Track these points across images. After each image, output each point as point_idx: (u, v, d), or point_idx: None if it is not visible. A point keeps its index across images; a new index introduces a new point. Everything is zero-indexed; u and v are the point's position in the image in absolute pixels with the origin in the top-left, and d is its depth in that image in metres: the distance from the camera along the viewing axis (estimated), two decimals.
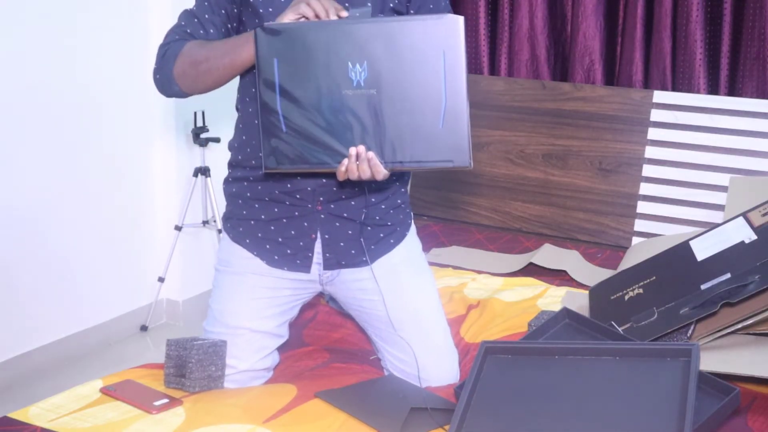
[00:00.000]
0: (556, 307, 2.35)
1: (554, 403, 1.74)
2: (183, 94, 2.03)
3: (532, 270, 2.86)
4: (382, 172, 1.84)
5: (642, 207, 3.18)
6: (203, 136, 3.50)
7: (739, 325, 1.99)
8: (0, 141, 3.01)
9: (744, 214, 2.29)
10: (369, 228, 2.10)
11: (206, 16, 2.01)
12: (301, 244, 2.08)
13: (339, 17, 1.82)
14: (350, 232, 2.09)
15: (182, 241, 3.61)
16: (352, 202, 2.07)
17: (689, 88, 3.21)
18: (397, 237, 2.16)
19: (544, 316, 2.28)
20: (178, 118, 3.54)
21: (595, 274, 2.76)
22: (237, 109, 2.12)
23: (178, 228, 3.55)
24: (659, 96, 3.16)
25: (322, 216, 2.07)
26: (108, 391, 1.92)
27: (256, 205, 2.09)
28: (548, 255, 2.93)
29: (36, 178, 3.14)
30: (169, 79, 1.99)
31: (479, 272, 2.81)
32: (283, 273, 2.11)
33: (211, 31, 2.01)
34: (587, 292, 2.38)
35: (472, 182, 3.43)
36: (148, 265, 3.60)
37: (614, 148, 3.22)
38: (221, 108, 3.30)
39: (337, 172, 1.86)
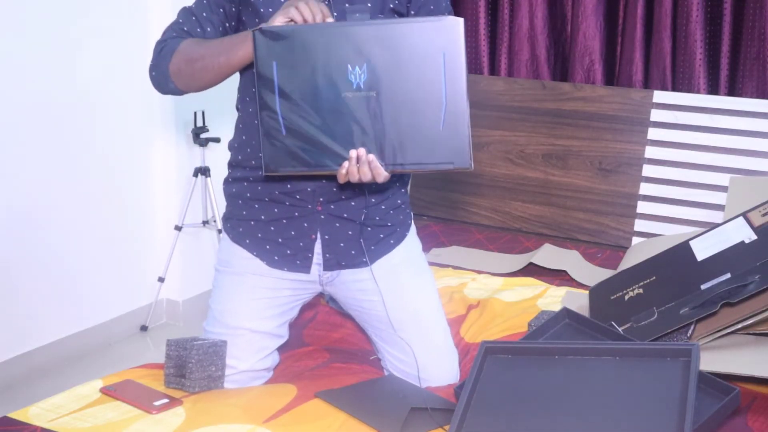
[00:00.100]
0: (556, 307, 2.35)
1: (554, 403, 1.74)
2: (179, 92, 2.04)
3: (532, 270, 2.86)
4: (382, 175, 1.84)
5: (642, 207, 3.18)
6: (203, 136, 3.50)
7: (739, 325, 1.99)
8: (0, 142, 3.01)
9: (744, 214, 2.29)
10: (369, 228, 2.10)
11: (204, 14, 2.01)
12: (301, 244, 2.08)
13: (324, 21, 1.81)
14: (350, 232, 2.08)
15: (182, 241, 3.61)
16: (352, 203, 2.07)
17: (689, 88, 3.21)
18: (397, 237, 2.16)
19: (544, 316, 2.28)
20: (178, 118, 3.54)
21: (595, 274, 2.76)
22: (237, 109, 2.12)
23: (178, 228, 3.55)
24: (659, 96, 3.16)
25: (322, 216, 2.07)
26: (108, 391, 1.92)
27: (256, 206, 2.09)
28: (548, 255, 2.93)
29: (36, 178, 3.14)
30: (165, 76, 2.00)
31: (479, 272, 2.81)
32: (282, 273, 2.10)
33: (209, 29, 2.01)
34: (587, 292, 2.38)
35: (472, 182, 3.43)
36: (148, 265, 3.60)
37: (614, 148, 3.22)
38: (221, 108, 3.30)
39: (337, 175, 1.86)
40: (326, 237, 2.08)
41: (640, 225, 3.18)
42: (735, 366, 1.91)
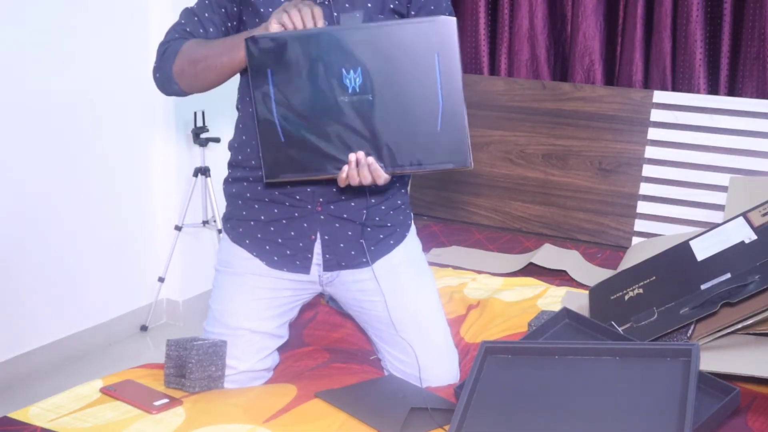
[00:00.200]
0: (556, 307, 2.35)
1: (554, 403, 1.74)
2: (182, 93, 2.04)
3: (532, 270, 2.86)
4: (382, 177, 1.84)
5: (642, 207, 3.18)
6: (203, 136, 3.50)
7: (739, 325, 1.99)
8: (0, 141, 3.01)
9: (744, 214, 2.29)
10: (369, 229, 2.10)
11: (206, 14, 2.01)
12: (301, 245, 2.08)
13: (315, 26, 1.81)
14: (350, 233, 2.08)
15: (182, 241, 3.61)
16: (352, 203, 2.07)
17: (689, 88, 3.21)
18: (397, 238, 2.16)
19: (544, 316, 2.28)
20: (178, 118, 3.54)
21: (595, 274, 2.76)
22: (237, 109, 2.12)
23: (178, 228, 3.55)
24: (659, 96, 3.16)
25: (322, 217, 2.06)
26: (108, 391, 1.92)
27: (256, 206, 2.09)
28: (548, 255, 2.93)
29: (36, 178, 3.14)
30: (169, 77, 2.00)
31: (479, 272, 2.81)
32: (282, 274, 2.10)
33: (211, 29, 2.01)
34: (587, 292, 2.38)
35: (472, 182, 3.43)
36: (148, 265, 3.60)
37: (614, 148, 3.22)
38: (221, 108, 3.30)
39: (338, 179, 1.86)
40: (326, 237, 2.08)
41: (640, 225, 3.18)
42: (735, 366, 1.91)
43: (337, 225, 2.07)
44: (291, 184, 2.03)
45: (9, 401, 2.86)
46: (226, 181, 2.16)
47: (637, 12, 3.24)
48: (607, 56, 3.38)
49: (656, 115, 3.16)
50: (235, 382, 2.07)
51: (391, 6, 1.99)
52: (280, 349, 2.19)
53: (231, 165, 2.14)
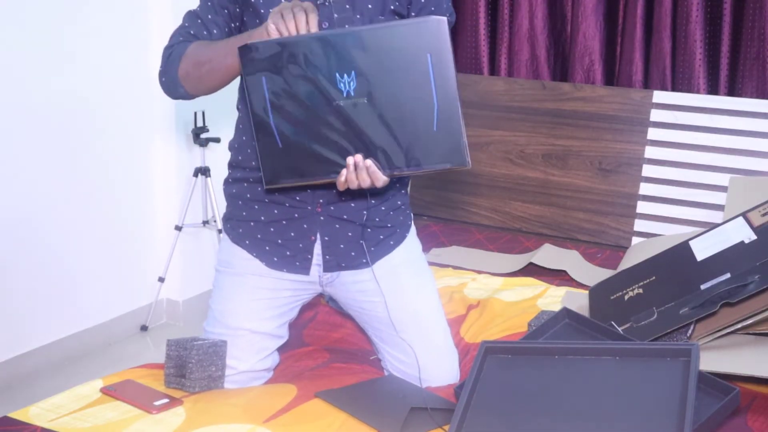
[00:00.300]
0: (556, 307, 2.35)
1: (554, 403, 1.74)
2: (189, 96, 2.03)
3: (532, 270, 2.86)
4: (381, 179, 1.84)
5: (642, 207, 3.18)
6: (203, 136, 3.50)
7: (739, 325, 1.99)
8: (0, 142, 3.01)
9: (744, 214, 2.29)
10: (369, 230, 2.10)
11: (209, 16, 2.01)
12: (301, 245, 2.08)
13: (309, 31, 1.80)
14: (350, 234, 2.08)
15: (182, 241, 3.61)
16: (352, 204, 2.07)
17: (689, 88, 3.21)
18: (397, 238, 2.16)
19: (544, 316, 2.28)
20: (178, 119, 3.54)
21: (595, 274, 2.76)
22: (237, 109, 2.12)
23: (178, 228, 3.55)
24: (659, 96, 3.16)
25: (322, 218, 2.06)
26: (108, 391, 1.93)
27: (256, 207, 2.09)
28: (548, 255, 2.93)
29: (36, 178, 3.14)
30: (175, 81, 1.99)
31: (479, 272, 2.81)
32: (282, 274, 2.10)
33: (215, 31, 2.01)
34: (587, 292, 2.38)
35: (472, 182, 3.43)
36: (148, 265, 3.60)
37: (614, 148, 3.22)
38: (221, 108, 3.30)
39: (337, 183, 1.86)
40: (326, 238, 2.08)
41: (640, 225, 3.18)
42: (735, 366, 1.91)
43: (337, 226, 2.07)
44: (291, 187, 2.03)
45: (9, 401, 2.86)
46: (226, 182, 2.16)
47: (637, 12, 3.24)
48: (607, 56, 3.38)
49: (656, 115, 3.16)
50: (235, 382, 2.07)
51: (392, 7, 1.99)
52: (280, 349, 2.19)
53: (231, 165, 2.14)
